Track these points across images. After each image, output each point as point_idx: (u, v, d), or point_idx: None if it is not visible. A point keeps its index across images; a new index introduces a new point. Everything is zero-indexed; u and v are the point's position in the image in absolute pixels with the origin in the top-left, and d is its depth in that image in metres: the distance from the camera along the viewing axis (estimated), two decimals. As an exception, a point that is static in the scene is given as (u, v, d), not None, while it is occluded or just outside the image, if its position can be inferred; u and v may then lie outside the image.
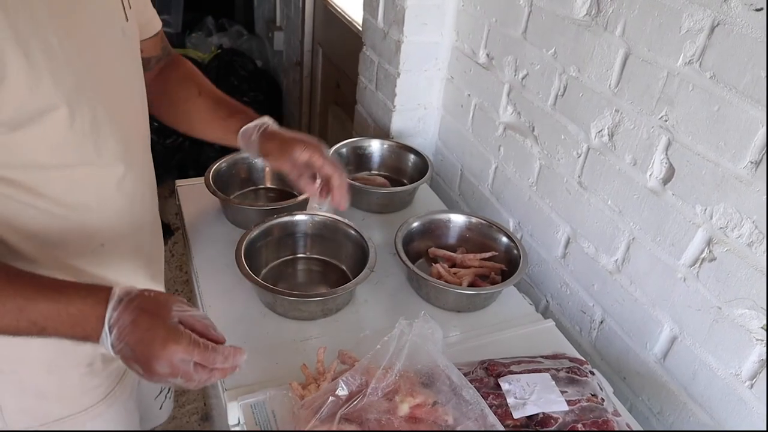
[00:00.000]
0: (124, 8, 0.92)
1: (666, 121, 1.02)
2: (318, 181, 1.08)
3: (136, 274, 1.01)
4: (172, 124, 1.20)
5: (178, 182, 1.54)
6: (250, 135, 1.11)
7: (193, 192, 1.50)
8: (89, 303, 0.73)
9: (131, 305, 0.73)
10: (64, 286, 0.75)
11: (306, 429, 0.83)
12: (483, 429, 0.83)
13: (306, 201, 1.40)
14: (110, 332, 0.72)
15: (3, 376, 0.89)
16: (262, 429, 0.93)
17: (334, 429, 0.82)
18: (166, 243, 2.94)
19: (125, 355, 0.73)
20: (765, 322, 0.90)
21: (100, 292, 0.74)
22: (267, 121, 1.13)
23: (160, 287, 1.04)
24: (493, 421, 0.84)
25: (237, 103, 1.18)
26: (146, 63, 1.08)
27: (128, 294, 0.74)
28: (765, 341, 0.91)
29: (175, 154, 3.22)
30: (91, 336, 0.73)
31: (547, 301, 1.40)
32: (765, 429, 0.91)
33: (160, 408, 1.26)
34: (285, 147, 1.08)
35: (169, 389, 1.29)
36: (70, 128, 0.80)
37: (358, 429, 0.82)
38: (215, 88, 1.20)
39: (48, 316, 0.72)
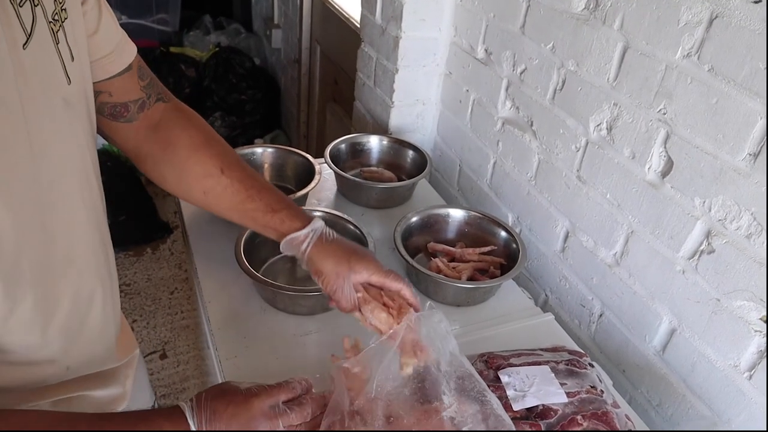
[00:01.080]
0: (64, 66, 0.69)
1: (664, 114, 1.02)
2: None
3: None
4: (181, 197, 1.01)
5: (177, 179, 1.54)
6: (298, 246, 0.92)
7: (192, 188, 1.50)
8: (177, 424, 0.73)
9: (202, 403, 0.75)
10: (138, 417, 0.75)
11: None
12: (489, 416, 0.83)
13: (305, 196, 1.40)
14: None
15: None
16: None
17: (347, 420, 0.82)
18: (164, 241, 2.95)
19: None
20: (764, 313, 0.90)
21: (172, 414, 0.74)
22: (319, 226, 0.93)
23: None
24: (500, 411, 0.85)
25: (272, 187, 0.96)
26: (122, 111, 0.88)
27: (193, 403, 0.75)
28: (763, 332, 0.91)
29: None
30: None
31: (546, 295, 1.40)
32: (766, 425, 0.92)
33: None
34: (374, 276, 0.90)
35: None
36: None
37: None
38: (239, 157, 0.97)
39: None
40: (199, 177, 0.93)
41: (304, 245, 0.91)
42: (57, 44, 0.68)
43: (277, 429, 0.76)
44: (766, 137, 0.86)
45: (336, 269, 0.89)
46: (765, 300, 0.90)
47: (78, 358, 0.82)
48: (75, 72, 0.71)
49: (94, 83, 0.80)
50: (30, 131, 0.65)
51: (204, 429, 0.73)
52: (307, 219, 0.93)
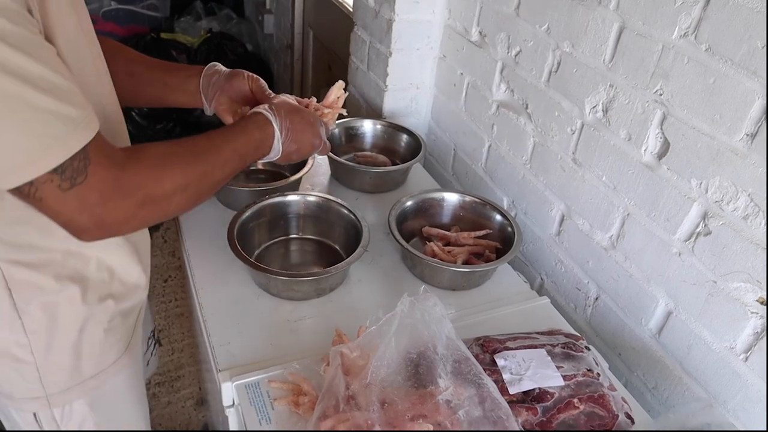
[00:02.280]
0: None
1: (661, 95, 1.01)
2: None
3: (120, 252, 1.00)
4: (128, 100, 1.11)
5: (169, 165, 1.52)
6: (210, 77, 1.11)
7: (184, 174, 1.48)
8: (265, 126, 0.97)
9: (281, 112, 1.00)
10: (242, 129, 0.96)
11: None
12: (485, 399, 0.82)
13: (298, 181, 1.39)
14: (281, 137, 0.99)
15: (38, 338, 0.89)
16: (257, 410, 0.92)
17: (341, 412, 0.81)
18: (157, 229, 2.93)
19: (289, 150, 1.01)
20: (760, 294, 0.90)
21: (266, 121, 0.98)
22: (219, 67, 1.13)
23: (146, 268, 1.04)
24: (496, 394, 0.84)
25: (168, 63, 1.16)
26: None
27: (274, 110, 0.99)
28: (759, 314, 0.91)
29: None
30: (269, 148, 0.99)
31: (541, 279, 1.40)
32: (766, 407, 0.91)
33: (147, 365, 1.27)
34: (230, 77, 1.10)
35: (154, 346, 1.30)
36: None
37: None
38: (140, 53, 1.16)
39: (244, 148, 0.93)
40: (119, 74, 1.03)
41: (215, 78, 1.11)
42: None
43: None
44: (765, 117, 0.85)
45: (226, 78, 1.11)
46: (762, 282, 0.89)
47: None
48: None
49: None
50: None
51: (283, 140, 0.99)
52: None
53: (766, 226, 0.87)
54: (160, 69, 1.12)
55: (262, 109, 0.99)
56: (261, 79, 1.12)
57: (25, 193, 0.67)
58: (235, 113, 1.11)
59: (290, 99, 1.09)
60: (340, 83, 1.20)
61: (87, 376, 0.97)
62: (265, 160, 1.01)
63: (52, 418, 0.96)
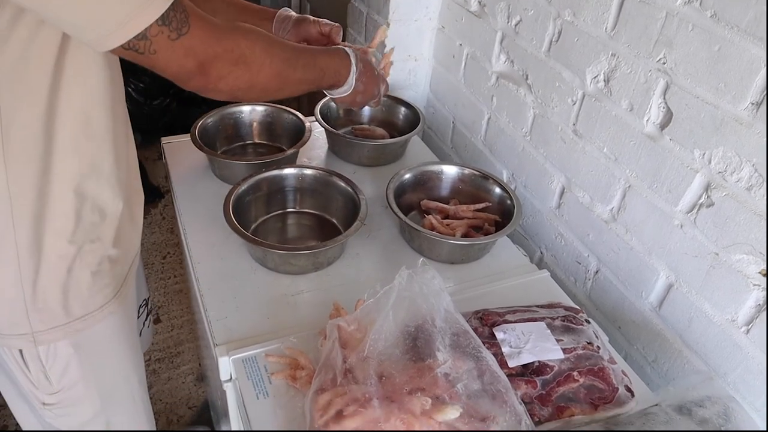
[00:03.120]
0: None
1: (664, 63, 0.99)
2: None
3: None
4: None
5: (164, 140, 1.50)
6: (284, 21, 1.21)
7: (179, 149, 1.47)
8: (345, 59, 1.07)
9: (357, 58, 1.09)
10: (326, 52, 1.05)
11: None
12: (484, 372, 0.82)
13: (295, 155, 1.37)
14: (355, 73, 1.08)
15: (26, 274, 0.90)
16: (254, 384, 0.92)
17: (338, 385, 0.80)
18: (156, 206, 2.92)
19: (357, 89, 1.10)
20: (763, 266, 0.89)
21: (346, 55, 1.08)
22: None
23: (138, 226, 1.07)
24: (495, 367, 0.83)
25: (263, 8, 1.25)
26: None
27: (358, 59, 1.09)
28: (761, 286, 0.89)
29: (163, 116, 3.17)
30: (344, 79, 1.08)
31: (541, 252, 1.39)
32: (766, 380, 0.91)
33: (140, 335, 1.27)
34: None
35: (147, 316, 1.30)
36: None
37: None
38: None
39: (326, 66, 1.03)
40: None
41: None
42: None
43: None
44: (769, 84, 0.83)
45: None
46: (764, 253, 0.88)
47: None
48: None
49: None
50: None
51: (357, 77, 1.08)
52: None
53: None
54: (236, 9, 1.19)
55: (344, 46, 1.11)
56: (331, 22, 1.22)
57: (141, 50, 0.74)
58: None
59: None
60: (384, 27, 1.35)
61: (73, 318, 0.97)
62: (336, 93, 1.10)
63: (38, 357, 0.97)
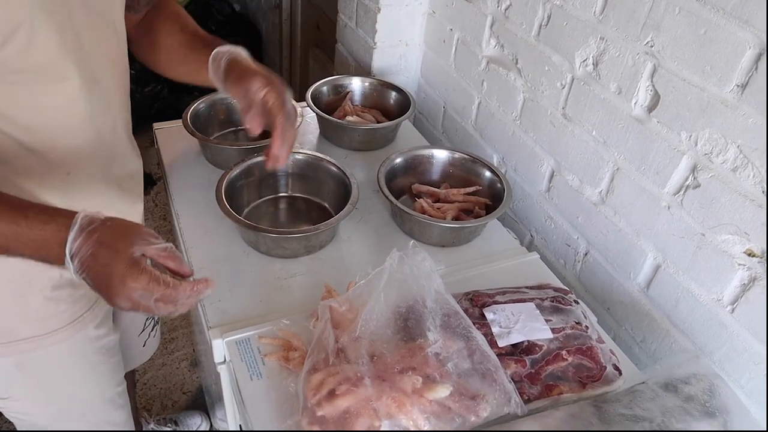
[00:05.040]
0: None
1: (652, 47, 1.00)
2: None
3: (108, 207, 0.98)
4: (154, 66, 1.14)
5: (156, 125, 1.50)
6: (219, 61, 0.98)
7: (171, 135, 1.47)
8: (50, 229, 0.71)
9: (91, 237, 0.70)
10: (28, 208, 0.72)
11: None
12: (474, 351, 0.83)
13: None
14: (72, 261, 0.70)
15: None
16: (248, 365, 0.93)
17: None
18: (148, 193, 2.91)
19: (89, 285, 0.73)
20: (749, 246, 0.90)
21: (63, 218, 0.71)
22: (239, 50, 1.01)
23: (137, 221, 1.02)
24: (485, 347, 0.85)
25: (217, 39, 1.07)
26: (134, 3, 1.05)
27: (91, 223, 0.71)
28: (748, 266, 0.91)
29: (154, 103, 3.16)
30: (55, 261, 0.71)
31: (531, 235, 1.40)
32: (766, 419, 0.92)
33: (144, 345, 1.26)
34: (245, 76, 0.94)
35: (153, 326, 1.29)
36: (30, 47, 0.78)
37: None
38: (199, 27, 1.12)
39: (11, 238, 0.71)
40: (164, 38, 1.09)
41: (223, 62, 0.98)
42: None
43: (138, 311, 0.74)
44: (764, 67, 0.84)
45: (241, 76, 0.95)
46: (749, 234, 0.90)
47: None
48: None
49: None
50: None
51: (74, 260, 0.70)
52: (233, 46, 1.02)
53: (765, 180, 0.87)
54: (187, 37, 1.09)
55: (79, 217, 0.73)
56: (283, 88, 0.95)
57: None
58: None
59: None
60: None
61: (17, 338, 0.95)
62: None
63: None
